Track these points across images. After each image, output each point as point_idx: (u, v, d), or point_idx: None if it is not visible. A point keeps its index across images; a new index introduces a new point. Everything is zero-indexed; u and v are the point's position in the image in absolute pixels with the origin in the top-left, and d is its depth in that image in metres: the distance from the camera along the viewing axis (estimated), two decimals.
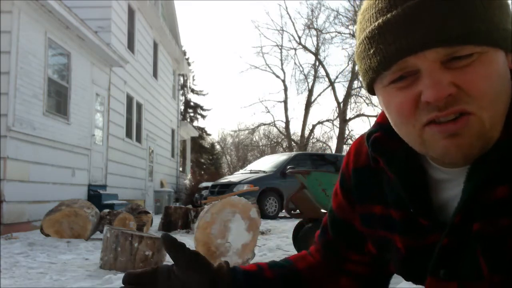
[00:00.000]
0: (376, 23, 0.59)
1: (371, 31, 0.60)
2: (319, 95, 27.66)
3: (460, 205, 0.62)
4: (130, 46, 11.87)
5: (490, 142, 0.59)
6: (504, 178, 0.59)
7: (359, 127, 35.56)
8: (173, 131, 17.37)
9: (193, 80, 31.64)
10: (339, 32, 24.40)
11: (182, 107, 28.02)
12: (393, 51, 0.58)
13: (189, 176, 19.74)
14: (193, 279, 0.74)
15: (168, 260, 4.22)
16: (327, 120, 25.78)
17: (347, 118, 24.48)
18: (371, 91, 0.67)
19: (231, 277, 0.78)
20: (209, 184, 12.77)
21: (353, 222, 0.83)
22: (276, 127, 28.06)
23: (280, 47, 26.19)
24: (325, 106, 74.29)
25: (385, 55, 0.59)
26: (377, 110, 22.08)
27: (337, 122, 25.05)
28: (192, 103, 31.38)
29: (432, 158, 0.67)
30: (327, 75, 25.38)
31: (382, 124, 0.74)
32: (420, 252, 0.70)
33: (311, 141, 27.23)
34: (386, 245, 0.77)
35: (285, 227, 7.83)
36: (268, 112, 32.82)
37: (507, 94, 0.60)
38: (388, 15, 0.58)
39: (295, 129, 51.76)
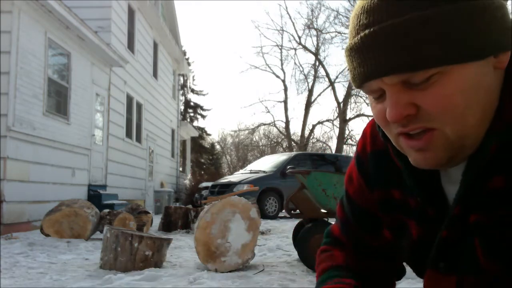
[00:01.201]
0: (348, 44, 0.63)
1: (346, 50, 0.64)
2: (319, 95, 27.72)
3: (457, 197, 0.63)
4: (130, 46, 11.87)
5: (461, 150, 0.61)
6: (500, 169, 0.60)
7: (359, 127, 35.56)
8: (173, 131, 17.37)
9: (193, 80, 31.67)
10: (339, 32, 24.42)
11: (182, 107, 28.03)
12: (357, 75, 0.61)
13: (189, 176, 19.74)
14: None
15: (168, 260, 4.22)
16: (327, 120, 25.78)
17: (347, 118, 24.47)
18: None
19: None
20: (209, 184, 12.77)
21: (372, 208, 0.82)
22: (276, 127, 28.07)
23: (280, 47, 26.19)
24: (325, 106, 74.29)
25: (353, 77, 0.63)
26: None
27: (337, 122, 25.05)
28: (192, 103, 31.37)
29: None
30: (327, 75, 25.41)
31: None
32: (425, 243, 0.70)
33: (311, 141, 27.23)
34: (402, 230, 0.76)
35: (285, 227, 7.83)
36: (268, 112, 32.86)
37: (483, 102, 0.59)
38: (353, 41, 0.61)
39: (295, 129, 51.83)
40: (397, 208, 0.76)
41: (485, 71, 0.58)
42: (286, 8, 53.93)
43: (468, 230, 0.63)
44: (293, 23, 43.39)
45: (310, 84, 25.74)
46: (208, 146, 33.37)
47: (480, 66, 0.57)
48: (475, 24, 0.55)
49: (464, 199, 0.63)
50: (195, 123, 30.33)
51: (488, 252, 0.60)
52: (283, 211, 10.37)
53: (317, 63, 25.37)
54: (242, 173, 12.40)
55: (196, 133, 22.82)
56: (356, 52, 0.60)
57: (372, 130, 0.83)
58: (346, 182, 0.89)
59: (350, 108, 24.92)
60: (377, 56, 0.57)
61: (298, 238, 4.28)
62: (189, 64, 24.63)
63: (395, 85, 0.58)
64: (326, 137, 31.47)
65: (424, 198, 0.69)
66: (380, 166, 0.79)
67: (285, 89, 26.54)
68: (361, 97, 24.01)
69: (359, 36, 0.59)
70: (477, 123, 0.59)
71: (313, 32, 25.27)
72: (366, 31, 0.58)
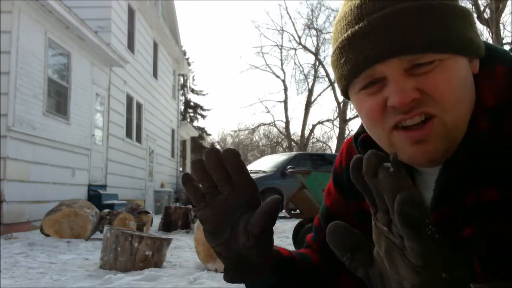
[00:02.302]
0: (346, 35, 0.64)
1: (341, 41, 0.65)
2: (319, 95, 27.90)
3: (432, 204, 0.65)
4: (130, 46, 11.86)
5: (454, 143, 0.63)
6: (491, 182, 0.60)
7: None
8: (173, 131, 17.36)
9: (193, 80, 31.67)
10: None
11: (182, 107, 28.03)
12: (361, 60, 0.62)
13: None
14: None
15: (168, 260, 4.22)
16: (327, 120, 25.84)
17: (347, 118, 24.50)
18: (347, 97, 0.71)
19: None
20: None
21: (349, 218, 0.84)
22: (276, 127, 28.12)
23: (280, 47, 26.25)
24: (325, 106, 74.44)
25: (354, 64, 0.63)
26: None
27: (337, 122, 25.12)
28: (192, 103, 31.37)
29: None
30: (327, 75, 25.43)
31: None
32: None
33: (311, 141, 27.27)
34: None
35: (285, 227, 7.83)
36: (268, 112, 32.93)
37: (470, 97, 0.63)
38: (356, 27, 0.62)
39: (295, 129, 51.86)
40: (369, 219, 0.77)
41: (468, 68, 0.64)
42: (286, 8, 54.08)
43: (447, 239, 0.63)
44: (293, 23, 43.59)
45: (310, 84, 25.82)
46: (208, 146, 33.39)
47: (466, 63, 0.63)
48: (467, 21, 0.63)
49: (439, 207, 0.64)
50: (195, 123, 30.35)
51: (485, 265, 0.61)
52: (283, 211, 10.37)
53: (317, 63, 25.43)
54: None
55: (196, 133, 22.83)
56: (363, 36, 0.61)
57: (348, 147, 0.87)
58: (325, 196, 0.92)
59: (350, 108, 24.91)
60: (390, 37, 0.59)
61: (298, 238, 4.28)
62: (189, 64, 24.63)
63: (400, 71, 0.60)
64: (326, 137, 31.51)
65: None
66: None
67: (285, 89, 26.62)
68: None
69: (366, 20, 0.61)
70: (467, 115, 0.63)
71: (313, 32, 25.34)
72: (375, 15, 0.60)
